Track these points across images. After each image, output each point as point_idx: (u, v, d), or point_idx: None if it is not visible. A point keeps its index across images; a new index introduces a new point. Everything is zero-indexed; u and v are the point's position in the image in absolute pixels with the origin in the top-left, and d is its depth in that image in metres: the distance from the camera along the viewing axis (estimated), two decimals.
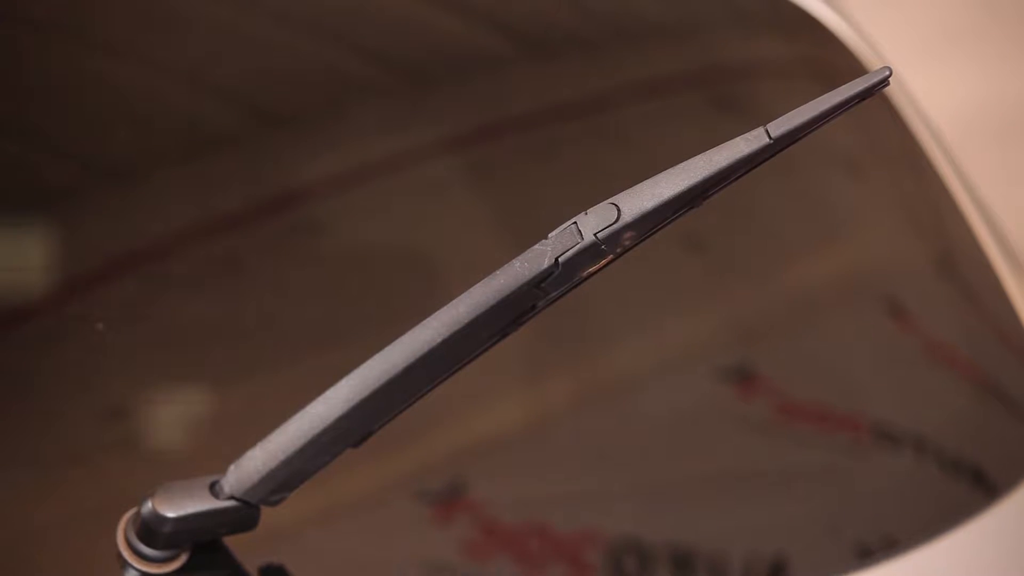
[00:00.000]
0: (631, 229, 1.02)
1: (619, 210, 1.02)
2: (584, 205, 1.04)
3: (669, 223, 1.04)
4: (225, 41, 1.64)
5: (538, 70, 1.80)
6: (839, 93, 1.02)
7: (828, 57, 1.96)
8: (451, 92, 1.73)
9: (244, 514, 1.07)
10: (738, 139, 1.01)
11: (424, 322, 1.02)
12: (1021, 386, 1.58)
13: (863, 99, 1.02)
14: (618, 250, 1.03)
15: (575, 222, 1.03)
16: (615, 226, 1.02)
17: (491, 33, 1.81)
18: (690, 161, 1.02)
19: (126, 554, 1.07)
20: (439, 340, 1.01)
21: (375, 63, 1.71)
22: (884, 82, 1.02)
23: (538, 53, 1.83)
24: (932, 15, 4.12)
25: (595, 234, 1.02)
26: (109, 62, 1.58)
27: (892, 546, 1.64)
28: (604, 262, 1.04)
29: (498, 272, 1.02)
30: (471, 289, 1.02)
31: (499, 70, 1.79)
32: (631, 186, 1.03)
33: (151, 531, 1.06)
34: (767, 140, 1.01)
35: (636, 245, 1.03)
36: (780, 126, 1.01)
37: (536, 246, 1.03)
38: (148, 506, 1.06)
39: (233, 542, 1.10)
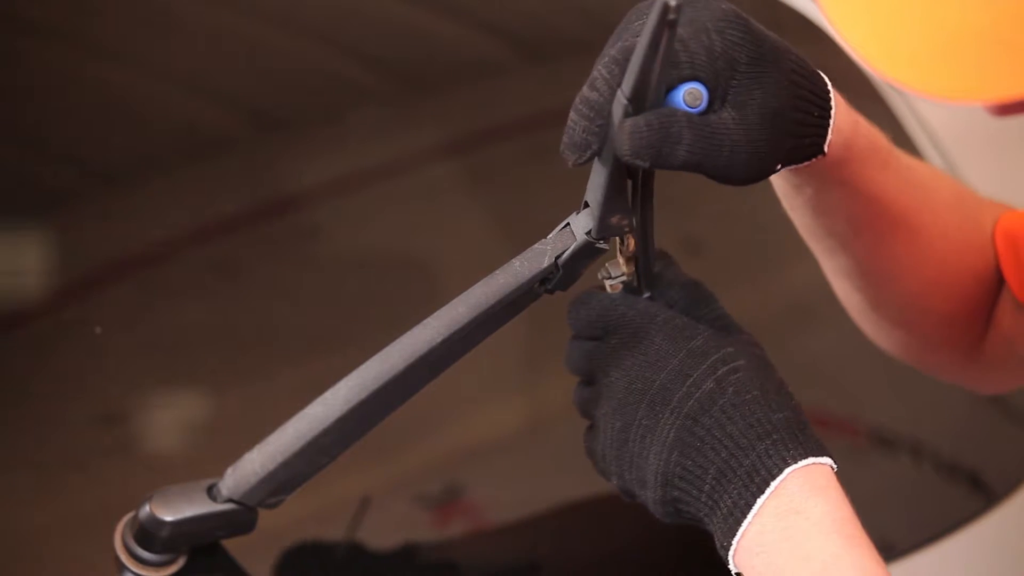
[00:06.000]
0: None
1: None
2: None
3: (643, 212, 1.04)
4: (223, 46, 1.64)
5: (536, 75, 1.80)
6: (648, 23, 0.93)
7: (825, 61, 1.96)
8: (449, 97, 1.73)
9: (242, 517, 1.07)
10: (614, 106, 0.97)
11: (424, 322, 1.02)
12: (1019, 392, 1.58)
13: (668, 25, 0.92)
14: None
15: (568, 223, 1.04)
16: None
17: (489, 38, 1.81)
18: None
19: (124, 558, 1.07)
20: (439, 340, 1.01)
21: (373, 68, 1.71)
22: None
23: (536, 58, 1.83)
24: None
25: (586, 233, 1.03)
26: (107, 66, 1.58)
27: (890, 550, 1.64)
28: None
29: (498, 272, 1.03)
30: (471, 289, 1.02)
31: (497, 75, 1.79)
32: None
33: (149, 535, 1.06)
34: (625, 102, 0.96)
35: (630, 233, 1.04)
36: (627, 83, 0.96)
37: (536, 245, 1.04)
38: (146, 510, 1.06)
39: (231, 545, 1.10)
